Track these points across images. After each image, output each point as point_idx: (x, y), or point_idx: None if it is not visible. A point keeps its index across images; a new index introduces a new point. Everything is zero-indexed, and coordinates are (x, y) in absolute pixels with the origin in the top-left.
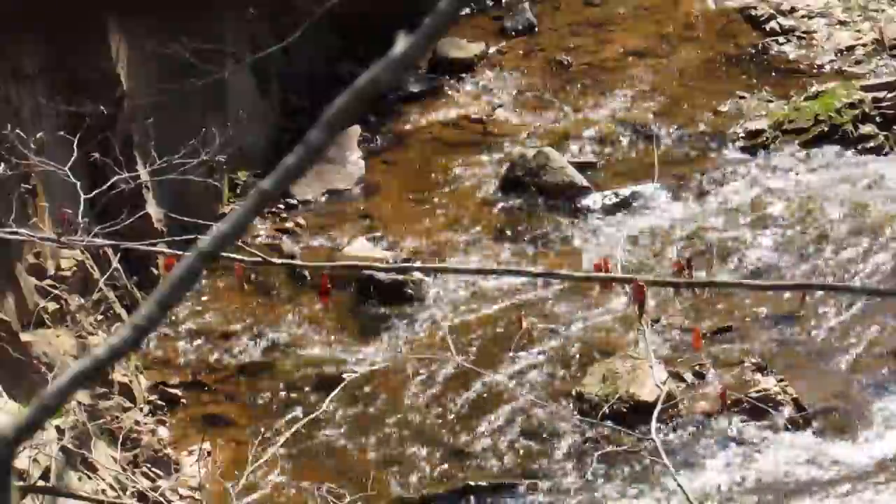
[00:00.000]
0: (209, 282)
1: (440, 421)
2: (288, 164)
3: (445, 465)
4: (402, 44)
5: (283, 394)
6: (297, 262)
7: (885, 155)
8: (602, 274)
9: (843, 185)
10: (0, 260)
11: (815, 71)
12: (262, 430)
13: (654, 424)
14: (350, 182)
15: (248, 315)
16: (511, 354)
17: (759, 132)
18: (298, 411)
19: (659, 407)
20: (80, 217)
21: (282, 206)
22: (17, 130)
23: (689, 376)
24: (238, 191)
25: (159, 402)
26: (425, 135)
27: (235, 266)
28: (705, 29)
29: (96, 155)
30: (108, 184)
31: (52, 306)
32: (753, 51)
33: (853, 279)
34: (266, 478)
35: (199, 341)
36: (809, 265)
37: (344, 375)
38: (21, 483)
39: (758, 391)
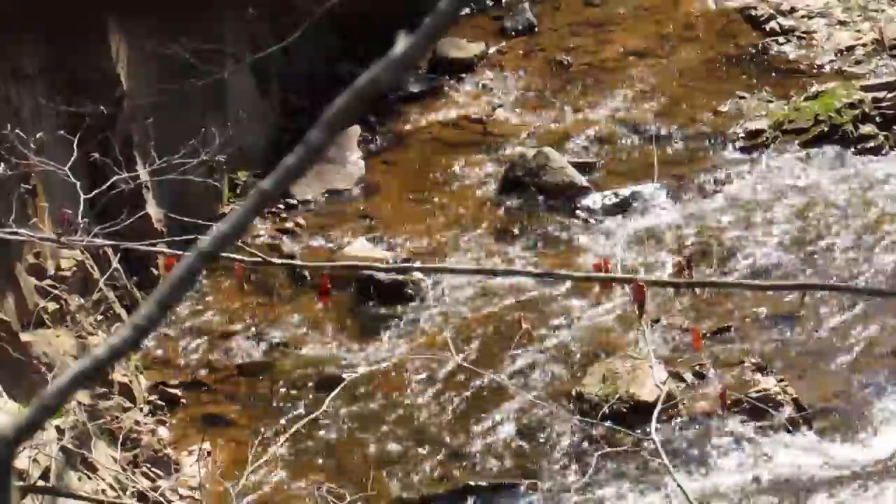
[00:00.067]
0: (209, 282)
1: (440, 421)
2: (288, 164)
3: (445, 465)
4: (402, 44)
5: (283, 394)
6: (297, 262)
7: (885, 155)
8: (602, 274)
9: (843, 185)
10: (0, 260)
11: (815, 71)
12: (262, 430)
13: (654, 424)
14: (350, 182)
15: (248, 315)
16: (511, 354)
17: (759, 132)
18: (298, 411)
19: (659, 407)
20: (79, 217)
21: (282, 206)
22: (17, 130)
23: (689, 376)
24: (238, 191)
25: (159, 402)
26: (425, 135)
27: (235, 266)
28: (705, 29)
29: (96, 155)
30: (108, 184)
31: (52, 306)
32: (753, 51)
33: (853, 279)
34: (266, 478)
35: (199, 341)
36: (809, 265)
37: (344, 375)
38: (21, 483)
39: (758, 391)
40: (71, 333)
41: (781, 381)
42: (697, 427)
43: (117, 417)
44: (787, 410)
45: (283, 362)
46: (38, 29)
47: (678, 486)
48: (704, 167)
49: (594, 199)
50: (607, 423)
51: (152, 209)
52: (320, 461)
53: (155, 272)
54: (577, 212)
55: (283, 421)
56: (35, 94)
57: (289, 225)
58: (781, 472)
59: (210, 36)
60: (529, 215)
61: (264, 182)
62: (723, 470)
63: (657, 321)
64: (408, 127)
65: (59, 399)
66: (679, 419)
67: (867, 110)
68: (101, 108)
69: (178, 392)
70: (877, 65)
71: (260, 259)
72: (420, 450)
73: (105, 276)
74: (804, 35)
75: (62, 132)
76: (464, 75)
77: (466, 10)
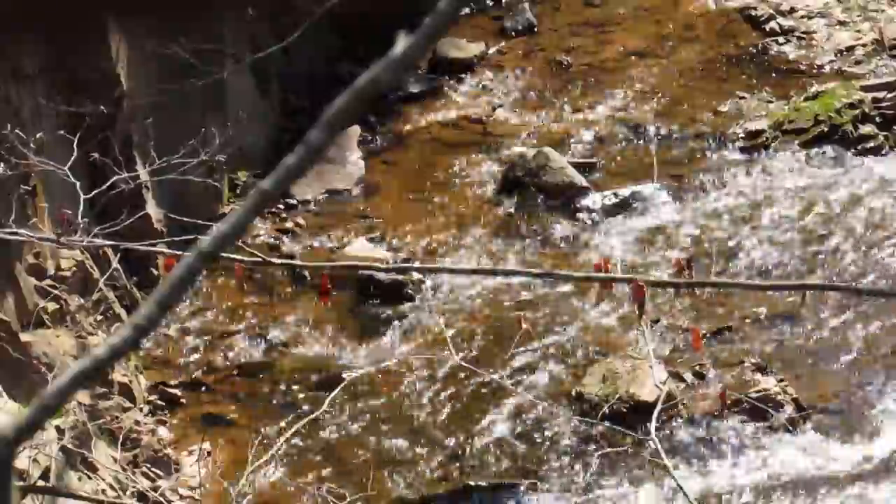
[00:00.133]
0: (209, 282)
1: (440, 421)
2: (288, 164)
3: (445, 465)
4: (402, 44)
5: (283, 394)
6: (297, 262)
7: (885, 155)
8: (602, 274)
9: (843, 185)
10: (0, 260)
11: (815, 71)
12: (262, 430)
13: (653, 424)
14: (350, 182)
15: (248, 315)
16: (511, 354)
17: (759, 132)
18: (298, 411)
19: (659, 407)
20: (79, 217)
21: (282, 206)
22: (17, 130)
23: (689, 376)
24: (238, 191)
25: (159, 402)
26: (425, 135)
27: (235, 266)
28: (705, 29)
29: (96, 155)
30: (108, 184)
31: (52, 306)
32: (753, 51)
33: (854, 279)
34: (266, 478)
35: (199, 341)
36: (809, 265)
37: (344, 375)
38: (21, 483)
39: (758, 391)
40: (71, 333)
41: (781, 381)
42: (697, 427)
43: (117, 417)
44: (787, 410)
45: (283, 362)
46: (38, 29)
47: (678, 486)
48: (704, 167)
49: (594, 199)
50: (607, 423)
51: (152, 209)
52: (320, 461)
53: (155, 272)
54: (577, 212)
55: (283, 421)
56: (35, 94)
57: (289, 225)
58: (781, 472)
59: (210, 36)
60: (529, 215)
61: (264, 182)
62: (723, 470)
63: (657, 321)
64: (408, 127)
65: (59, 399)
66: (679, 419)
67: (867, 110)
68: (101, 108)
69: (178, 392)
70: (877, 65)
71: (260, 259)
72: (420, 450)
73: (105, 276)
74: (804, 35)
75: (62, 132)
76: (464, 75)
77: (466, 10)
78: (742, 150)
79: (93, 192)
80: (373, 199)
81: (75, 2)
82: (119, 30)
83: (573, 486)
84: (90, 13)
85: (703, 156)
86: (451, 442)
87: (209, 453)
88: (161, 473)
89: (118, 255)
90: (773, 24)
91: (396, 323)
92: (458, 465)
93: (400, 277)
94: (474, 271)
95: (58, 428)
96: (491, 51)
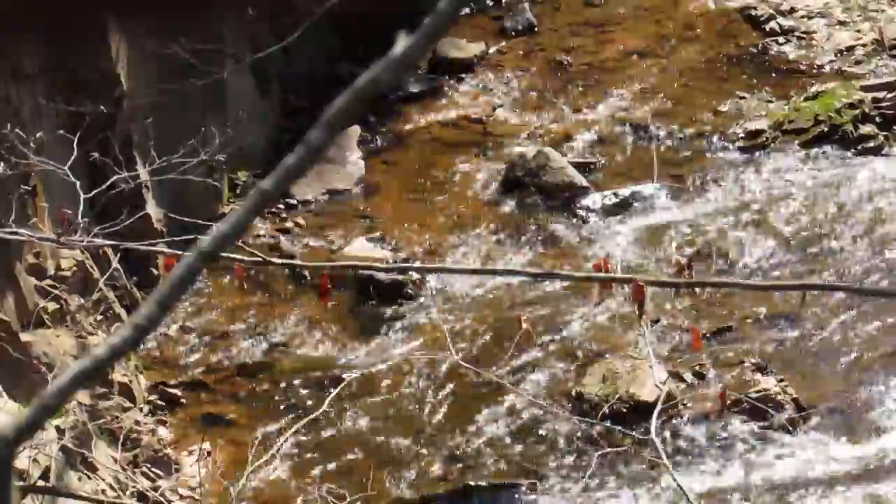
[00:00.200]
0: (209, 282)
1: (440, 421)
2: (288, 164)
3: (445, 465)
4: (402, 44)
5: (283, 394)
6: (297, 262)
7: (885, 155)
8: (602, 274)
9: (843, 185)
10: (0, 260)
11: (815, 71)
12: (262, 430)
13: (653, 425)
14: (350, 182)
15: (248, 315)
16: (511, 354)
17: (759, 132)
18: (298, 411)
19: (659, 407)
20: (79, 217)
21: (282, 206)
22: (17, 130)
23: (689, 376)
24: (238, 191)
25: (159, 402)
26: (425, 135)
27: (235, 266)
28: (705, 29)
29: (96, 155)
30: (108, 183)
31: (52, 306)
32: (753, 51)
33: (854, 279)
34: (266, 478)
35: (199, 341)
36: (810, 265)
37: (344, 375)
38: (21, 483)
39: (758, 391)
40: (71, 333)
41: (781, 381)
42: (697, 427)
43: (117, 417)
44: (787, 410)
45: (283, 362)
46: (38, 29)
47: (678, 486)
48: (704, 167)
49: (594, 199)
50: (607, 423)
51: (152, 209)
52: (320, 461)
53: (155, 272)
54: (577, 212)
55: (283, 421)
56: (35, 94)
57: (289, 225)
58: (781, 472)
59: (210, 36)
60: (529, 215)
61: (264, 182)
62: (723, 470)
63: (657, 321)
64: (408, 127)
65: (59, 399)
66: (679, 419)
67: (867, 110)
68: (101, 107)
69: (178, 392)
70: (877, 65)
71: (260, 259)
72: (420, 450)
73: (105, 276)
74: (804, 35)
75: (62, 132)
76: (464, 75)
77: (466, 10)
78: (742, 149)
79: (93, 192)
80: (373, 199)
81: (75, 2)
82: (119, 30)
83: (573, 486)
84: (90, 13)
85: (703, 156)
86: (451, 442)
87: (209, 453)
88: (161, 473)
89: (118, 254)
90: (773, 24)
91: (396, 323)
92: (458, 464)
93: (400, 277)
94: (474, 271)
95: (58, 428)
96: (491, 51)
